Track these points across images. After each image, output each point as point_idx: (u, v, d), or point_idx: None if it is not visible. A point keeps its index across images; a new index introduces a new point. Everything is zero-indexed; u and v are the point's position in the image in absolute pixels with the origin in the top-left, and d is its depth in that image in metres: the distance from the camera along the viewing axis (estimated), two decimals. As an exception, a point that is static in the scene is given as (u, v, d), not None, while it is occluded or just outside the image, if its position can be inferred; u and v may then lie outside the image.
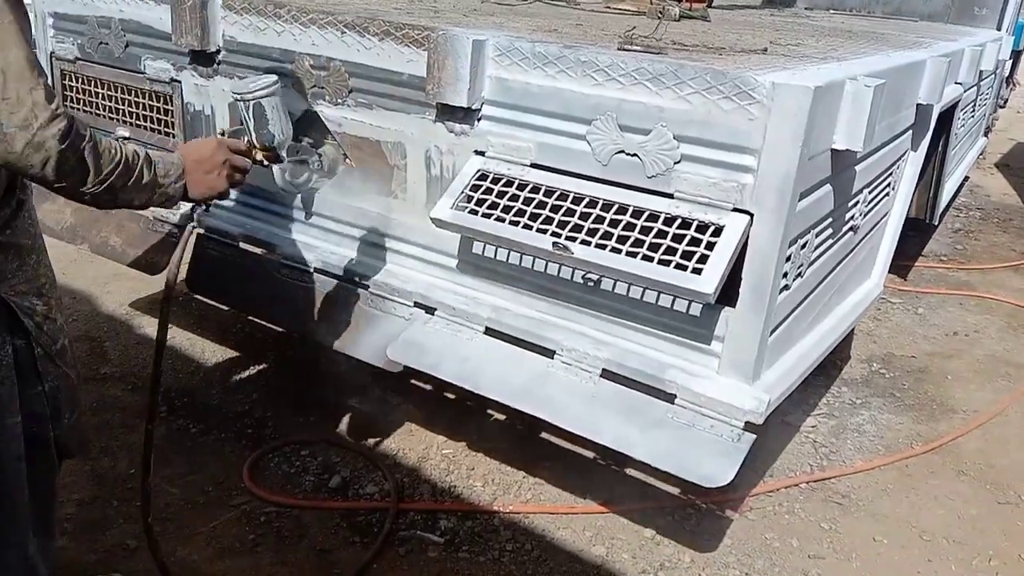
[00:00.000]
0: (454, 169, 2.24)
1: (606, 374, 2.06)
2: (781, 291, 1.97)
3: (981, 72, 4.13)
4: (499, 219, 2.08)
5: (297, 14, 2.40)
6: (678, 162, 1.90)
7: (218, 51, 2.58)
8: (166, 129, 2.79)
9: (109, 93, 2.93)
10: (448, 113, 2.20)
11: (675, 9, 3.24)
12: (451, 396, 3.05)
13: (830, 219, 2.23)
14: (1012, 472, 2.97)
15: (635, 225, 1.93)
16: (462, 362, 2.24)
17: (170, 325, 3.45)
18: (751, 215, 1.85)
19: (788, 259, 1.95)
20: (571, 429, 2.05)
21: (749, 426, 1.91)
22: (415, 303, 2.37)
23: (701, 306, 1.95)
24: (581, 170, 2.05)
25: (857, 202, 2.48)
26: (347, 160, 2.46)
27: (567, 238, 1.98)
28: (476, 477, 2.71)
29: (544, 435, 2.88)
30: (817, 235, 2.15)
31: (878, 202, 2.78)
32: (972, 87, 4.11)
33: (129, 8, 2.79)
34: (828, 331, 2.48)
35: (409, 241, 2.41)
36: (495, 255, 2.23)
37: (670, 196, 1.92)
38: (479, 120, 2.19)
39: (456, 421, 2.96)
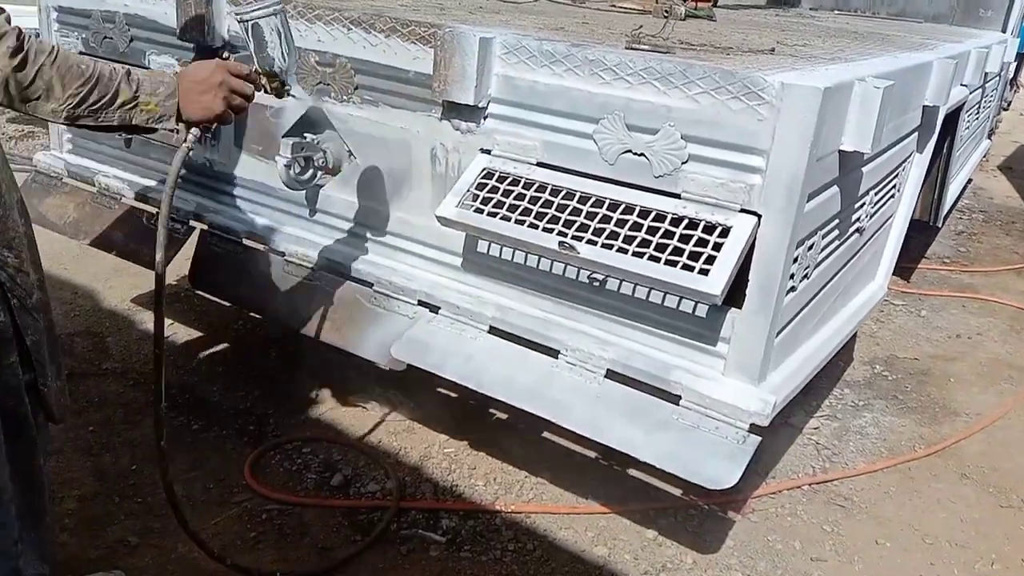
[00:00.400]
0: (460, 167, 2.23)
1: (611, 375, 2.06)
2: (788, 292, 1.96)
3: (986, 74, 4.12)
4: (505, 218, 2.07)
5: (303, 10, 2.39)
6: (685, 162, 1.89)
7: (223, 46, 2.57)
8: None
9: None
10: (454, 111, 2.19)
11: (681, 8, 3.23)
12: (453, 395, 3.04)
13: (837, 220, 2.22)
14: (1015, 476, 2.97)
15: (642, 225, 1.92)
16: (466, 361, 2.23)
17: (170, 322, 3.48)
18: (759, 216, 1.84)
19: (795, 260, 1.94)
20: (575, 430, 2.04)
21: (754, 428, 1.91)
22: (419, 301, 2.36)
23: (707, 307, 1.94)
24: (588, 169, 2.04)
25: (863, 204, 2.47)
26: (352, 157, 2.44)
27: (573, 237, 1.97)
28: (478, 476, 2.70)
29: (546, 435, 2.87)
30: (824, 236, 2.14)
31: (884, 204, 2.77)
32: (977, 89, 4.10)
33: (134, 3, 2.78)
34: (833, 333, 2.47)
35: (414, 239, 2.40)
36: (500, 254, 2.22)
37: (677, 196, 1.91)
38: (485, 118, 2.18)
39: (458, 420, 2.95)
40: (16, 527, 1.75)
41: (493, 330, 2.24)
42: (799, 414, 3.19)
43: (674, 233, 1.88)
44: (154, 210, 2.87)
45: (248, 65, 1.76)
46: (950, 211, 5.48)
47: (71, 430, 2.75)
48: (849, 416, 3.27)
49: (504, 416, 2.99)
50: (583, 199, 2.01)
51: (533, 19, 2.78)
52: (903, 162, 2.90)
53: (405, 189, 2.37)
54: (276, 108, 2.51)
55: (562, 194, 2.04)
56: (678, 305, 1.99)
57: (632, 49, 2.08)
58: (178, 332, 3.42)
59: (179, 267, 3.07)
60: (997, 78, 5.25)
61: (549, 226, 2.01)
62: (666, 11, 3.18)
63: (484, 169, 2.15)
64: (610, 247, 1.92)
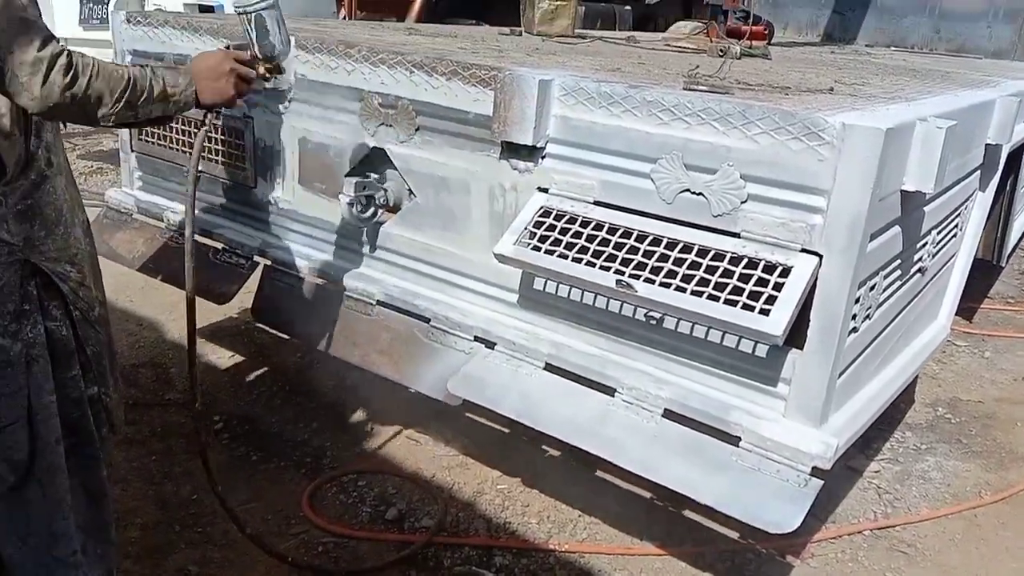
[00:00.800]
0: (517, 206, 2.26)
1: (668, 414, 2.04)
2: (850, 333, 1.94)
3: (1051, 111, 4.03)
4: (562, 256, 2.08)
5: (367, 54, 2.46)
6: (745, 201, 1.89)
7: (290, 89, 2.66)
8: (238, 164, 2.88)
9: (183, 128, 3.03)
10: (513, 151, 2.23)
11: (737, 48, 3.25)
12: (505, 430, 3.05)
13: (899, 260, 2.19)
14: (1089, 525, 2.85)
15: (700, 264, 1.92)
16: (522, 398, 2.24)
17: (232, 354, 3.56)
18: (820, 256, 1.83)
19: (857, 301, 1.92)
20: (632, 470, 2.03)
21: (816, 471, 1.87)
22: (476, 337, 2.39)
23: (767, 347, 1.92)
24: (645, 208, 2.05)
25: (925, 243, 2.43)
26: (411, 195, 2.50)
27: (630, 275, 1.98)
28: (531, 514, 2.69)
29: (600, 473, 2.85)
30: (886, 277, 2.11)
31: (946, 243, 2.73)
32: (1041, 126, 4.02)
33: (204, 46, 2.89)
34: (895, 374, 2.43)
35: (471, 276, 2.43)
36: (556, 291, 2.24)
37: (736, 235, 1.91)
38: (543, 158, 2.21)
39: (511, 456, 2.95)
40: (78, 538, 1.80)
41: (549, 367, 2.25)
42: (859, 457, 3.11)
43: (733, 272, 1.88)
44: (219, 245, 2.96)
45: (247, 52, 1.94)
46: (1013, 250, 5.32)
47: (135, 459, 2.83)
48: (911, 460, 3.19)
49: (557, 453, 2.98)
50: (640, 237, 2.02)
51: (590, 60, 2.82)
52: (965, 201, 2.85)
53: (463, 227, 2.41)
54: (339, 148, 2.58)
55: (619, 232, 2.05)
56: (737, 345, 1.97)
57: (690, 90, 2.10)
58: (238, 364, 3.49)
59: (241, 301, 3.15)
60: (1061, 114, 5.13)
61: (606, 264, 2.02)
62: (721, 50, 3.20)
63: (542, 208, 2.18)
64: (668, 286, 1.93)
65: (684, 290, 1.90)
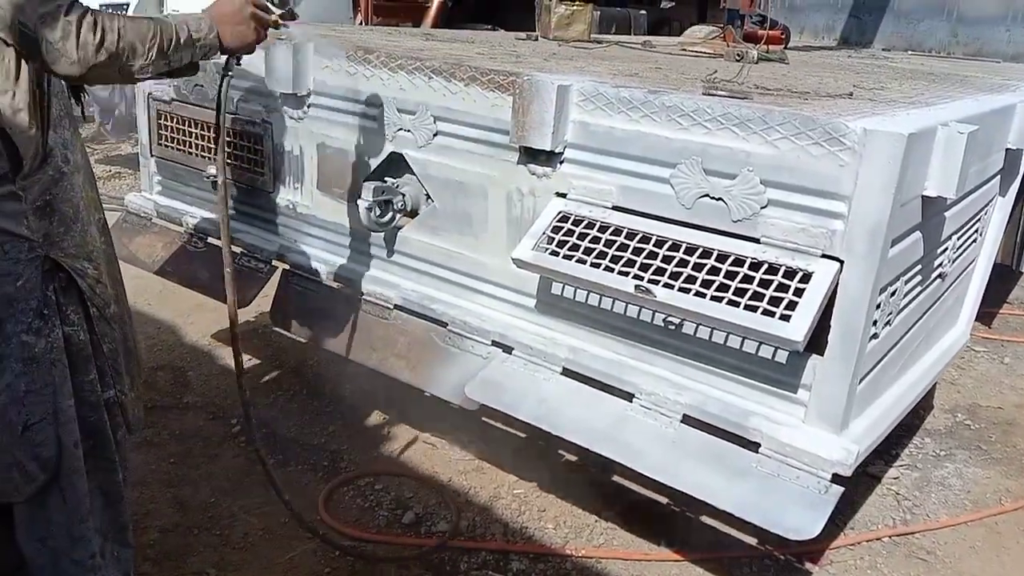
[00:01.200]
0: (535, 211, 2.26)
1: (687, 419, 2.04)
2: (870, 339, 1.93)
3: (1071, 115, 3.99)
4: (580, 261, 2.09)
5: (386, 59, 2.47)
6: (765, 207, 1.89)
7: (308, 94, 2.67)
8: (257, 168, 2.90)
9: (202, 133, 3.05)
10: (531, 156, 2.24)
11: (754, 52, 3.24)
12: (522, 435, 3.05)
13: (919, 266, 2.18)
14: (1112, 534, 2.82)
15: (719, 269, 1.91)
16: (539, 403, 2.24)
17: (249, 357, 3.58)
18: (841, 262, 1.82)
19: (878, 307, 1.91)
20: (651, 475, 2.02)
21: (837, 478, 1.87)
22: (493, 342, 2.39)
23: (787, 353, 1.92)
24: (664, 213, 2.05)
25: (946, 248, 2.42)
26: (429, 200, 2.51)
27: (649, 281, 1.98)
28: (548, 519, 2.69)
29: (616, 478, 2.85)
30: (906, 282, 2.10)
31: (966, 248, 2.71)
32: (1062, 130, 3.98)
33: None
34: (916, 380, 2.41)
35: (489, 280, 2.43)
36: (574, 296, 2.24)
37: (756, 241, 1.91)
38: (561, 163, 2.21)
39: (527, 461, 2.95)
40: (96, 541, 1.82)
41: (567, 372, 2.25)
42: (878, 463, 3.09)
43: (753, 278, 1.87)
44: (238, 249, 2.98)
45: None
46: (1033, 254, 5.29)
47: (153, 462, 2.85)
48: (930, 466, 3.16)
49: (573, 458, 2.98)
50: (659, 242, 2.02)
51: (607, 65, 2.82)
52: (985, 206, 2.83)
53: (481, 231, 2.42)
54: (357, 153, 2.60)
55: (638, 237, 2.05)
56: (757, 350, 1.97)
57: (710, 95, 2.09)
58: (256, 368, 3.51)
59: (260, 305, 3.17)
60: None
61: (624, 269, 2.02)
62: (739, 55, 3.19)
63: (560, 212, 2.18)
64: (687, 291, 1.92)
65: (703, 295, 1.90)
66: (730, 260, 1.91)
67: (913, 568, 2.59)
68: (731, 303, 1.86)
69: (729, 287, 1.88)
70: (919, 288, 2.26)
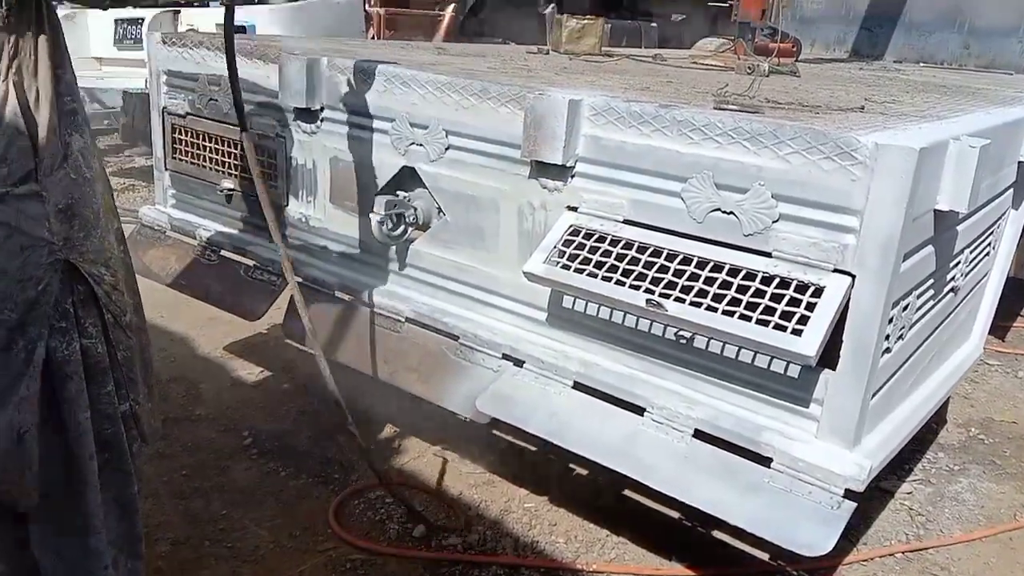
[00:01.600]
0: (546, 224, 2.27)
1: (699, 434, 2.04)
2: (883, 354, 1.92)
3: (1085, 127, 3.98)
4: (591, 274, 2.09)
5: (398, 73, 2.49)
6: (776, 221, 1.89)
7: (321, 109, 2.69)
8: (270, 182, 2.91)
9: (216, 147, 3.08)
10: (542, 170, 2.24)
11: (765, 65, 3.25)
12: (532, 449, 3.04)
13: (932, 280, 2.17)
14: None
15: (731, 283, 1.91)
16: (550, 416, 2.24)
17: (261, 370, 3.60)
18: (853, 276, 1.82)
19: (890, 321, 1.90)
20: (663, 490, 2.02)
21: (849, 493, 1.86)
22: (504, 355, 2.39)
23: (799, 368, 1.91)
24: (675, 227, 2.05)
25: (958, 262, 2.41)
26: (441, 214, 2.52)
27: (660, 295, 1.98)
28: (559, 533, 2.68)
29: (628, 492, 2.84)
30: (919, 296, 2.10)
31: (979, 262, 2.70)
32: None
33: (240, 68, 2.93)
34: (929, 394, 2.40)
35: (499, 294, 2.44)
36: (585, 310, 2.24)
37: (768, 255, 1.91)
38: (572, 177, 2.22)
39: (537, 474, 2.94)
40: (109, 553, 1.82)
41: (578, 386, 2.25)
42: (891, 478, 3.07)
43: (765, 292, 1.87)
44: (250, 262, 2.99)
45: None
46: (1047, 267, 5.26)
47: (165, 474, 2.86)
48: (944, 481, 3.14)
49: (584, 472, 2.97)
50: (670, 256, 2.02)
51: (618, 79, 2.83)
52: (998, 219, 2.82)
53: (492, 245, 2.42)
54: (370, 168, 2.61)
55: (649, 251, 2.05)
56: (768, 365, 1.96)
57: (720, 109, 2.10)
58: (268, 380, 3.52)
59: (272, 317, 3.18)
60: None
61: (636, 283, 2.02)
62: (749, 68, 3.20)
63: (571, 226, 2.19)
64: (699, 305, 1.92)
65: (715, 309, 1.90)
66: (741, 274, 1.91)
67: (927, 584, 2.57)
68: (743, 317, 1.86)
69: (741, 301, 1.88)
70: (932, 302, 2.25)
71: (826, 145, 1.81)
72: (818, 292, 1.82)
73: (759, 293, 1.87)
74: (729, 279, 1.92)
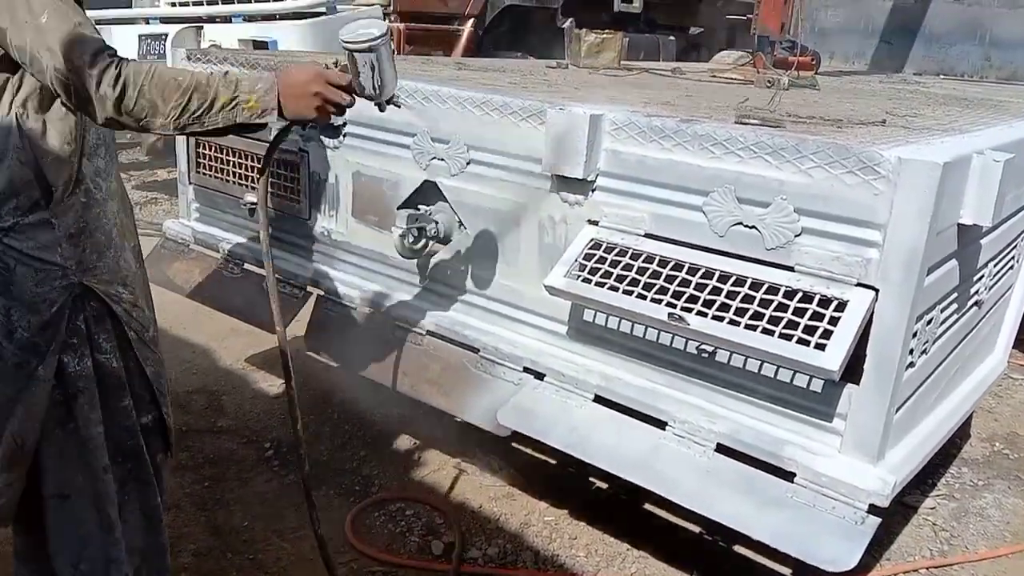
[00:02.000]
0: (567, 238, 2.28)
1: (721, 448, 2.03)
2: (907, 368, 1.91)
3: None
4: (612, 288, 2.09)
5: (420, 88, 2.51)
6: (799, 235, 1.89)
7: (344, 123, 2.72)
8: (293, 196, 2.95)
9: (240, 161, 3.11)
10: (563, 184, 2.26)
11: (785, 79, 3.25)
12: (552, 462, 3.04)
13: (955, 294, 2.16)
14: None
15: (753, 297, 1.91)
16: (571, 430, 2.24)
17: (282, 382, 3.60)
18: (876, 290, 1.81)
19: (914, 335, 1.89)
20: (685, 504, 2.01)
21: (873, 508, 1.84)
22: (525, 368, 2.40)
23: (822, 382, 1.91)
24: (697, 241, 2.05)
25: (982, 276, 2.40)
26: (462, 227, 2.53)
27: (682, 309, 1.98)
28: (579, 547, 2.68)
29: (649, 506, 2.83)
30: (942, 310, 2.08)
31: (1002, 275, 2.68)
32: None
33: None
34: (953, 409, 2.38)
35: (520, 307, 2.45)
36: (606, 323, 2.24)
37: (790, 269, 1.90)
38: (593, 191, 2.23)
39: (558, 487, 2.94)
40: (131, 563, 1.85)
41: (599, 399, 2.25)
42: (914, 493, 3.05)
43: (787, 306, 1.87)
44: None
45: (348, 78, 1.78)
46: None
47: (187, 485, 2.88)
48: (968, 496, 3.11)
49: (604, 485, 2.97)
50: (692, 270, 2.02)
51: (638, 93, 2.85)
52: (1022, 232, 2.80)
53: (513, 259, 2.43)
54: (392, 182, 2.64)
55: (670, 265, 2.05)
56: (791, 379, 1.96)
57: (742, 124, 2.10)
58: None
59: (294, 330, 3.20)
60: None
61: (657, 297, 2.02)
62: (769, 81, 3.20)
63: (592, 240, 2.20)
64: (721, 319, 1.92)
65: (737, 323, 1.89)
66: (764, 288, 1.91)
67: (952, 601, 2.55)
68: (765, 331, 1.86)
69: (763, 315, 1.88)
70: (955, 316, 2.24)
71: (849, 159, 1.81)
72: (841, 306, 1.81)
73: (782, 307, 1.87)
74: (751, 293, 1.92)
